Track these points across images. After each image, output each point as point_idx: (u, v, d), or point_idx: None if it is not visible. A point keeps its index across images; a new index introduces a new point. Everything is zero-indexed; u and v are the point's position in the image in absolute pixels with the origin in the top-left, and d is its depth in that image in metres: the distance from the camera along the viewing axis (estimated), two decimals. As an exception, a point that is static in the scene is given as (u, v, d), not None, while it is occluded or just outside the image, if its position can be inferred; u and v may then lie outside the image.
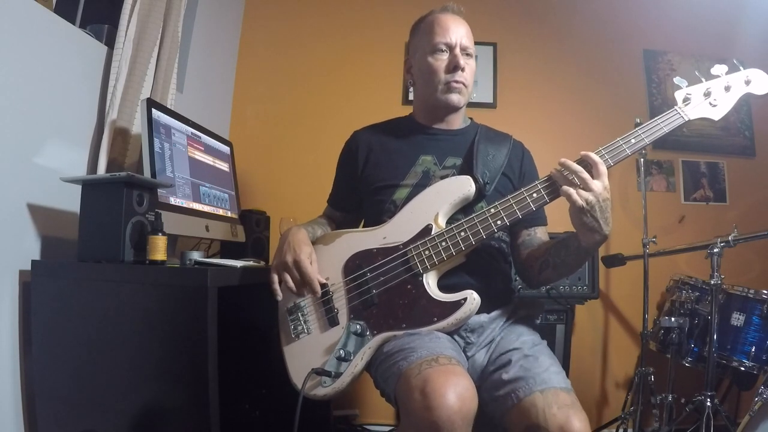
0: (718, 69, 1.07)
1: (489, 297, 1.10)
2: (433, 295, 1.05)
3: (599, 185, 0.96)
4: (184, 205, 1.47)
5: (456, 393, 0.83)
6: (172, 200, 1.42)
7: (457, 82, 1.19)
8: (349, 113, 2.34)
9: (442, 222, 1.11)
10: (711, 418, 1.62)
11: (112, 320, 1.15)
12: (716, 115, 1.06)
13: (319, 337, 1.11)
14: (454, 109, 1.23)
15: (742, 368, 1.70)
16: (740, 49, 2.32)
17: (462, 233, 1.06)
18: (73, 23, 1.55)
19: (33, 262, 1.23)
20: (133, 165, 1.50)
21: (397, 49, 2.44)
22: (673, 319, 1.82)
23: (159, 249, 1.19)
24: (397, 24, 2.36)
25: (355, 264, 1.13)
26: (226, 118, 2.39)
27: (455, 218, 1.12)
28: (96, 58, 1.51)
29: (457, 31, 1.20)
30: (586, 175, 0.97)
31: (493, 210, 1.06)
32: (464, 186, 1.12)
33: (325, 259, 1.16)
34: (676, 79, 1.08)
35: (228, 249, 1.75)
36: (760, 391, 1.40)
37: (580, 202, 0.95)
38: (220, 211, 1.67)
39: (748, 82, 1.06)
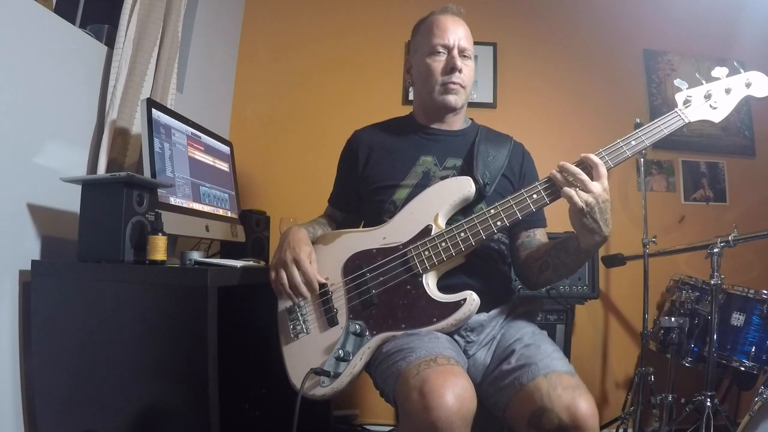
0: (719, 71, 1.07)
1: (488, 297, 1.10)
2: (432, 296, 1.05)
3: (599, 187, 0.97)
4: (184, 205, 1.47)
5: (454, 393, 0.83)
6: (172, 200, 1.42)
7: (453, 83, 1.20)
8: (349, 113, 2.33)
9: (441, 223, 1.11)
10: (711, 418, 1.62)
11: (112, 320, 1.15)
12: (716, 117, 1.06)
13: (318, 337, 1.11)
14: (452, 109, 1.23)
15: (742, 368, 1.70)
16: (740, 50, 2.31)
17: (462, 234, 1.06)
18: (73, 23, 1.55)
19: (33, 262, 1.23)
20: (133, 165, 1.50)
21: (397, 49, 2.44)
22: (673, 319, 1.81)
23: (159, 249, 1.19)
24: (397, 24, 2.37)
25: (355, 264, 1.13)
26: (226, 119, 2.39)
27: (455, 219, 1.12)
28: (96, 58, 1.51)
29: (455, 33, 1.20)
30: (585, 177, 0.98)
31: (493, 211, 1.06)
32: (464, 187, 1.12)
33: (325, 259, 1.16)
34: (677, 81, 1.08)
35: (228, 249, 1.76)
36: (760, 391, 1.40)
37: (580, 203, 0.95)
38: (220, 211, 1.67)
39: (748, 85, 1.06)
